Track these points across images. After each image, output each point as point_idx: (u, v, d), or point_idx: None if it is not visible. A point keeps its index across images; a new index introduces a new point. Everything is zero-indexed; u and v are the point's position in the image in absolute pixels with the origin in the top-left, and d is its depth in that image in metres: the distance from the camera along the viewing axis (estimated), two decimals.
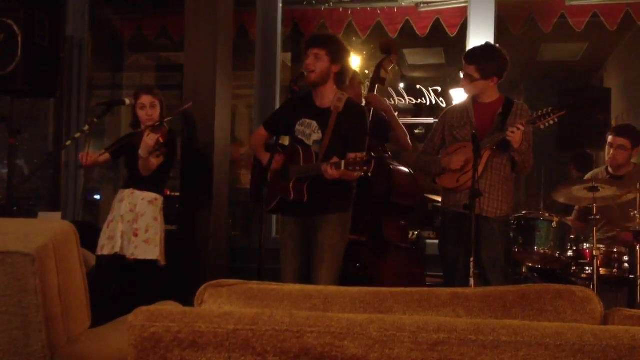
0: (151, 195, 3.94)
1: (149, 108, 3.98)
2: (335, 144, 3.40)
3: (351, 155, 3.17)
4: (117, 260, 3.85)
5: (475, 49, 3.72)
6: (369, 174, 3.15)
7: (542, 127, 3.47)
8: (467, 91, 3.70)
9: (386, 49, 4.17)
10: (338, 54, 3.47)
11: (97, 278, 3.77)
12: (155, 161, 3.87)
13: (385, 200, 3.95)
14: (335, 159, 3.18)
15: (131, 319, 1.30)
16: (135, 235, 3.83)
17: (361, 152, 3.25)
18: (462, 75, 3.66)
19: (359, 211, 3.67)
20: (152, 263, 3.85)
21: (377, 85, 4.14)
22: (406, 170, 4.11)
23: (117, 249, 3.81)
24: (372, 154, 3.13)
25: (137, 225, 3.85)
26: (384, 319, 1.23)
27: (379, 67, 4.12)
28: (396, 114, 4.25)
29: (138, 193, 3.92)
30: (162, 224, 3.95)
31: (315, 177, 3.35)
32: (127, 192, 3.95)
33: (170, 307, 1.36)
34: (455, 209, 3.60)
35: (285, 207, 3.51)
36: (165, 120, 4.05)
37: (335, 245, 3.44)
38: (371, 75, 4.22)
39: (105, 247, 3.83)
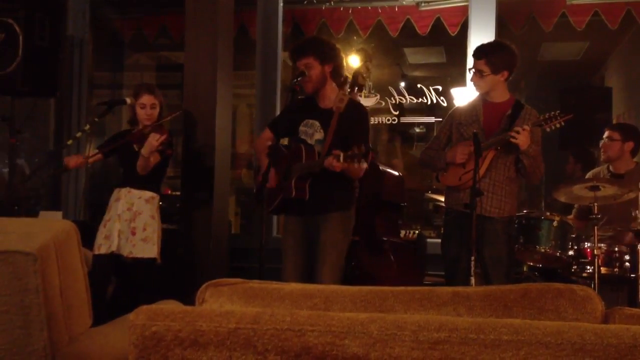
0: (148, 193, 3.94)
1: (149, 108, 3.99)
2: (337, 143, 3.41)
3: (349, 150, 3.18)
4: (114, 259, 3.85)
5: (483, 44, 3.74)
6: (366, 164, 3.18)
7: (548, 129, 3.47)
8: (477, 87, 3.68)
9: (363, 56, 4.29)
10: (326, 54, 3.48)
11: (94, 277, 3.77)
12: (154, 161, 3.88)
13: (376, 200, 4.10)
14: (336, 152, 3.19)
15: (132, 318, 1.30)
16: (133, 233, 3.83)
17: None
18: (471, 73, 3.65)
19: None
20: (150, 261, 3.86)
21: (355, 90, 4.22)
22: (394, 172, 4.36)
23: (114, 248, 3.81)
24: (370, 147, 3.17)
25: (134, 223, 3.85)
26: (384, 318, 1.23)
27: (356, 74, 4.20)
28: (396, 112, 4.34)
29: (135, 192, 3.92)
30: (159, 222, 3.96)
31: (317, 176, 3.36)
32: (124, 190, 3.94)
33: (171, 306, 1.36)
34: (458, 207, 3.61)
35: (287, 207, 3.51)
36: (164, 120, 4.06)
37: (338, 244, 3.45)
38: (350, 81, 4.30)
39: (102, 246, 3.83)
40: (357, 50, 4.46)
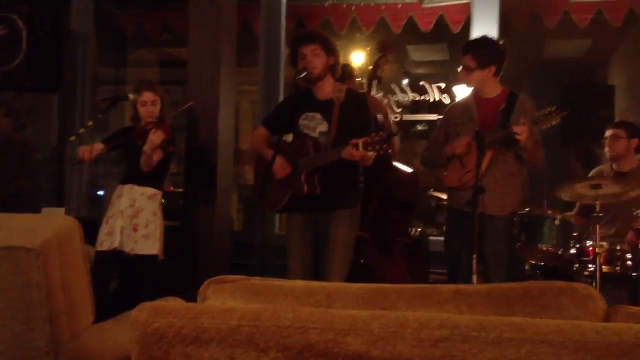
0: (150, 190, 3.94)
1: (150, 105, 3.98)
2: (342, 133, 3.39)
3: (366, 138, 3.14)
4: (117, 255, 3.86)
5: (469, 40, 3.75)
6: (389, 151, 3.13)
7: (543, 127, 3.45)
8: (467, 83, 3.68)
9: (382, 48, 4.23)
10: (331, 47, 3.50)
11: (96, 274, 3.78)
12: (157, 157, 3.88)
13: (389, 197, 4.00)
14: (354, 141, 3.15)
15: (134, 314, 1.30)
16: (135, 230, 3.83)
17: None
18: (460, 70, 3.65)
19: (363, 207, 3.69)
20: (151, 258, 3.86)
21: (374, 82, 4.19)
22: (407, 168, 4.22)
23: (116, 245, 3.81)
24: (392, 131, 3.13)
25: (136, 220, 3.85)
26: (386, 315, 1.23)
27: (375, 66, 4.17)
28: (399, 109, 4.31)
29: (137, 188, 3.92)
30: (161, 219, 3.96)
31: (325, 169, 3.34)
32: (126, 187, 3.95)
33: (173, 302, 1.37)
34: (459, 206, 3.60)
35: (294, 204, 3.49)
36: (180, 110, 4.06)
37: (347, 241, 3.44)
38: (368, 74, 4.27)
39: (105, 242, 3.83)
40: (378, 42, 4.39)
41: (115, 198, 3.96)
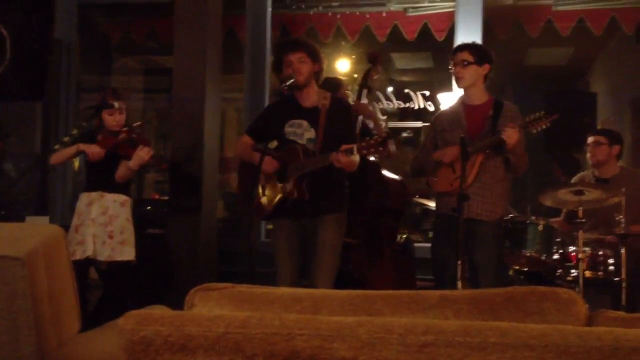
0: (122, 197, 3.94)
1: (117, 114, 3.99)
2: (329, 139, 3.42)
3: (361, 142, 3.19)
4: (89, 264, 3.84)
5: (462, 43, 3.83)
6: (386, 154, 3.19)
7: (534, 131, 3.50)
8: (461, 80, 3.65)
9: (372, 59, 4.26)
10: (316, 54, 3.53)
11: None
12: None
13: (380, 205, 4.07)
14: (346, 147, 3.18)
15: (121, 322, 1.30)
16: (111, 237, 3.82)
17: (354, 143, 3.28)
18: (452, 69, 3.67)
19: (354, 215, 3.72)
20: (126, 263, 3.85)
21: (365, 92, 4.21)
22: (396, 177, 4.31)
23: (89, 253, 3.78)
24: (388, 134, 3.17)
25: (111, 227, 3.84)
26: (372, 322, 1.24)
27: (365, 76, 4.19)
28: (384, 117, 4.34)
29: (108, 196, 3.91)
30: (133, 225, 3.96)
31: (313, 175, 3.35)
32: (96, 195, 3.91)
33: (160, 310, 1.37)
34: (448, 211, 3.62)
35: (282, 211, 3.50)
36: (137, 124, 4.08)
37: (334, 245, 3.47)
38: (359, 83, 4.30)
39: (77, 252, 3.77)
40: (368, 53, 4.40)
41: (84, 206, 3.92)
